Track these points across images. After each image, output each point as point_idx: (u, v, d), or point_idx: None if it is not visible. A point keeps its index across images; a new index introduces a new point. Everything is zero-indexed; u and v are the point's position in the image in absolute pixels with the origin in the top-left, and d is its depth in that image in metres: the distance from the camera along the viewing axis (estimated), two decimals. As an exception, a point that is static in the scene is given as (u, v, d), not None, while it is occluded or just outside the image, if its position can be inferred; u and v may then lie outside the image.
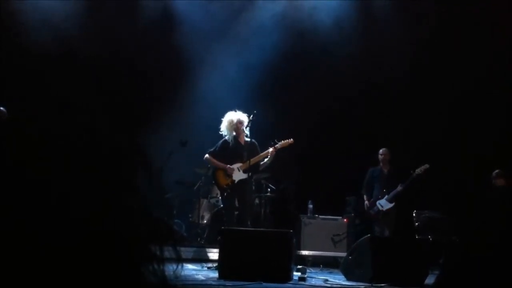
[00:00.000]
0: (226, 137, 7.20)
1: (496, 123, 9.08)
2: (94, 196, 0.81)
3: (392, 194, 7.97)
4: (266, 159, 7.10)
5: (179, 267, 0.90)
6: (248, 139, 7.16)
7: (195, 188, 9.01)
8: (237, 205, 7.16)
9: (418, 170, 7.88)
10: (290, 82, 9.79)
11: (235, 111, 7.19)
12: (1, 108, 6.45)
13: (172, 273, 0.88)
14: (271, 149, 7.03)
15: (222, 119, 7.22)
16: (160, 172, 7.34)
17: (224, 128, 7.19)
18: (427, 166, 7.87)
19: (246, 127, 7.08)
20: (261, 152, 7.13)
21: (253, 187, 7.73)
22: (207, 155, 7.27)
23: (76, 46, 8.78)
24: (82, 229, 0.79)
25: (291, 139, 7.14)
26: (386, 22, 9.70)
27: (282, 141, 7.11)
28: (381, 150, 8.29)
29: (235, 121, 7.12)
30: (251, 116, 7.05)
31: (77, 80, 8.41)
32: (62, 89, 8.18)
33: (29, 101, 7.54)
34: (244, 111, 7.20)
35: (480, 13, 9.28)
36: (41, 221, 0.79)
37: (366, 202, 8.19)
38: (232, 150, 7.15)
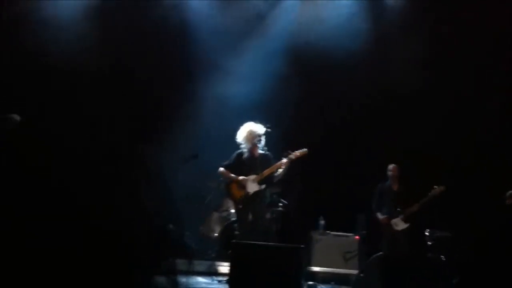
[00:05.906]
0: (242, 148, 7.11)
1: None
2: (101, 207, 0.82)
3: (407, 214, 7.82)
4: (279, 171, 6.94)
5: (190, 279, 0.90)
6: (262, 152, 7.08)
7: (206, 201, 9.01)
8: (250, 218, 7.02)
9: (433, 191, 7.71)
10: (299, 96, 9.69)
11: (255, 123, 7.08)
12: (14, 114, 6.47)
13: (183, 285, 0.88)
14: (284, 160, 6.87)
15: (238, 131, 7.11)
16: (170, 185, 7.35)
17: (242, 139, 7.09)
18: (442, 188, 7.70)
19: (261, 140, 7.01)
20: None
21: (267, 200, 7.59)
22: (221, 168, 7.18)
23: (84, 57, 8.82)
24: (94, 239, 0.80)
25: (305, 149, 6.90)
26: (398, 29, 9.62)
27: (297, 152, 6.88)
28: (390, 166, 8.17)
29: (256, 132, 7.02)
30: (266, 129, 7.01)
31: (84, 91, 8.46)
32: (71, 100, 8.25)
33: (38, 110, 7.63)
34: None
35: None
36: (47, 232, 0.79)
37: (380, 218, 8.02)
38: (247, 163, 7.09)
